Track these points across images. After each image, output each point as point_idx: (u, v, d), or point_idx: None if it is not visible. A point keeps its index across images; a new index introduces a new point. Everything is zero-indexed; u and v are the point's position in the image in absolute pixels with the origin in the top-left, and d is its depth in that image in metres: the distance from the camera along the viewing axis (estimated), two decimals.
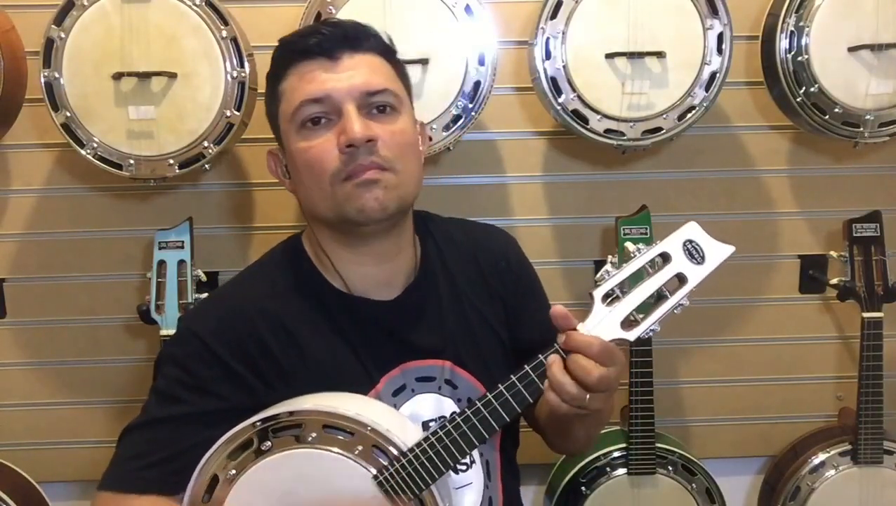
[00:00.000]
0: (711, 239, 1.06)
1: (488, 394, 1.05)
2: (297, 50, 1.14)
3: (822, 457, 1.86)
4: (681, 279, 1.05)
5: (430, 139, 1.65)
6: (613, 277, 1.05)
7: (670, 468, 1.83)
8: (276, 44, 1.19)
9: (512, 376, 1.05)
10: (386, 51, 1.18)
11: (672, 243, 1.05)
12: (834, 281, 1.85)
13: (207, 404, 1.12)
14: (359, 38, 1.15)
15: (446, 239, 1.30)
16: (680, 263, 1.05)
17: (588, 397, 1.02)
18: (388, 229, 1.17)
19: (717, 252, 1.05)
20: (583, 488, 1.81)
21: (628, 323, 1.05)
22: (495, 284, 1.29)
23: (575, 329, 1.04)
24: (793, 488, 1.86)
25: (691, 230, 1.06)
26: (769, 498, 1.96)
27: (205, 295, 1.75)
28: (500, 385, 1.05)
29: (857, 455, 1.82)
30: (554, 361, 1.03)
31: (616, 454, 1.82)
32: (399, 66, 1.20)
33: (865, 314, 1.78)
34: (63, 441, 1.98)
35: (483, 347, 1.25)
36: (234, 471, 1.06)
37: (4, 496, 1.76)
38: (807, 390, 2.05)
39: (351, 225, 1.13)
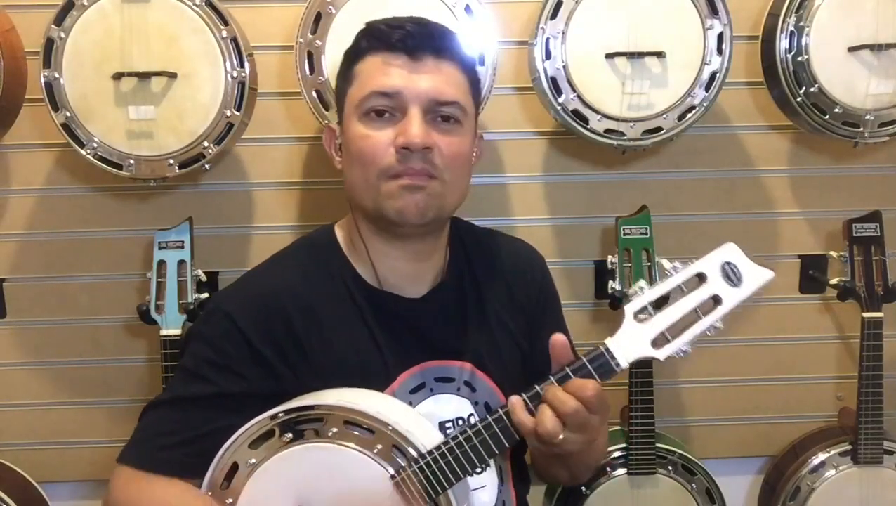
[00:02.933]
0: (750, 262, 1.04)
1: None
2: (381, 39, 1.15)
3: (822, 457, 1.86)
4: (716, 301, 1.03)
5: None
6: (647, 293, 1.03)
7: (670, 468, 1.83)
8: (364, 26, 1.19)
9: (536, 386, 1.04)
10: (466, 63, 1.20)
11: (709, 264, 1.03)
12: (834, 281, 1.85)
13: (232, 386, 1.13)
14: (444, 44, 1.16)
15: (476, 248, 1.31)
16: (716, 285, 1.02)
17: (561, 436, 1.01)
18: (424, 233, 1.19)
19: (756, 276, 1.03)
20: (582, 488, 1.80)
21: (658, 341, 1.03)
22: (520, 296, 1.30)
23: (574, 360, 1.04)
24: (793, 488, 1.86)
25: (730, 252, 1.04)
26: (769, 498, 1.96)
27: (205, 295, 1.76)
28: (522, 395, 1.04)
29: (857, 455, 1.82)
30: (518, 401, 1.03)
31: (616, 454, 1.82)
32: (475, 80, 1.22)
33: (865, 314, 1.78)
34: (63, 441, 1.98)
35: (504, 354, 1.26)
36: (253, 460, 1.08)
37: (4, 496, 1.76)
38: (807, 390, 2.05)
39: (387, 222, 1.15)
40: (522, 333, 1.30)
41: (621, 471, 1.81)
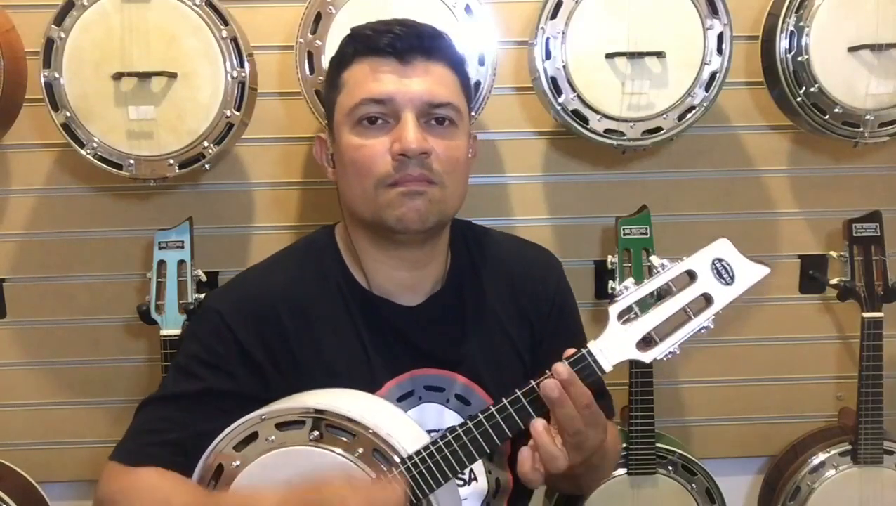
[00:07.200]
0: (744, 258, 1.00)
1: (491, 407, 1.03)
2: (367, 44, 1.12)
3: (822, 457, 1.86)
4: (707, 300, 0.99)
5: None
6: (632, 293, 1.00)
7: (670, 468, 1.83)
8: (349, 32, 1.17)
9: (517, 391, 1.02)
10: (456, 63, 1.17)
11: (700, 261, 0.99)
12: (834, 281, 1.85)
13: (221, 383, 1.13)
14: (433, 44, 1.13)
15: (483, 253, 1.28)
16: (707, 283, 0.99)
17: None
18: (424, 240, 1.17)
19: (749, 273, 0.99)
20: None
21: (645, 344, 1.00)
22: (527, 307, 1.27)
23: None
24: (793, 488, 1.86)
25: (722, 248, 1.00)
26: (769, 498, 1.96)
27: (204, 295, 1.75)
28: (504, 399, 1.03)
29: (857, 455, 1.82)
30: (542, 425, 1.01)
31: None
32: (466, 80, 1.19)
33: (865, 314, 1.78)
34: (63, 441, 1.98)
35: (503, 366, 1.23)
36: (238, 462, 1.07)
37: (4, 496, 1.76)
38: (807, 390, 2.05)
39: (387, 231, 1.13)
40: (525, 346, 1.26)
41: (621, 471, 1.81)
